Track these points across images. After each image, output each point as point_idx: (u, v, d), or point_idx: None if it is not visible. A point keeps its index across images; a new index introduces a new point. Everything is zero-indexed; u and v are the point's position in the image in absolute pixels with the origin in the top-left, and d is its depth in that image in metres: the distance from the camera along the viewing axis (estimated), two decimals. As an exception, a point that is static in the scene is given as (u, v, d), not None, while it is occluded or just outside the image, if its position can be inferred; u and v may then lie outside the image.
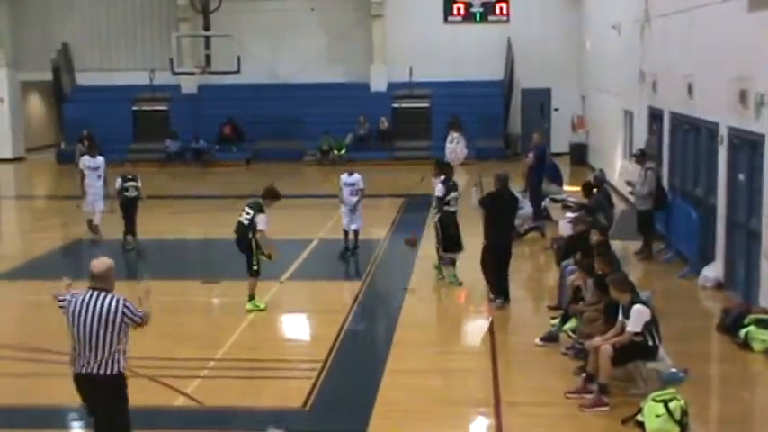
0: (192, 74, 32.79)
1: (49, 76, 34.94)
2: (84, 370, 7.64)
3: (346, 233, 17.20)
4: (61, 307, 7.79)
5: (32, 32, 35.43)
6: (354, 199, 17.00)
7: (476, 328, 13.12)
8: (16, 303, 15.03)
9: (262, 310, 13.30)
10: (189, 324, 13.17)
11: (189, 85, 34.60)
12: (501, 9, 34.36)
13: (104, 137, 32.87)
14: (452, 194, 14.75)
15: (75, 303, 7.62)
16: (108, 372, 7.66)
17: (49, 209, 25.63)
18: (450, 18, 34.55)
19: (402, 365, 11.22)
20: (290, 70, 34.48)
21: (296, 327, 13.54)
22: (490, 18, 34.42)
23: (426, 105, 33.90)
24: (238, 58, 30.69)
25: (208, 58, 32.05)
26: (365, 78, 34.60)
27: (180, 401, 10.02)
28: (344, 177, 17.36)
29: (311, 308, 14.31)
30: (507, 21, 34.17)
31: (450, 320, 13.42)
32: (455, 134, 31.69)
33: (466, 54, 33.46)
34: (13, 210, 26.58)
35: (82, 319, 7.56)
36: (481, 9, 34.45)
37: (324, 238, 18.55)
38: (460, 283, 14.58)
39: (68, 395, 10.35)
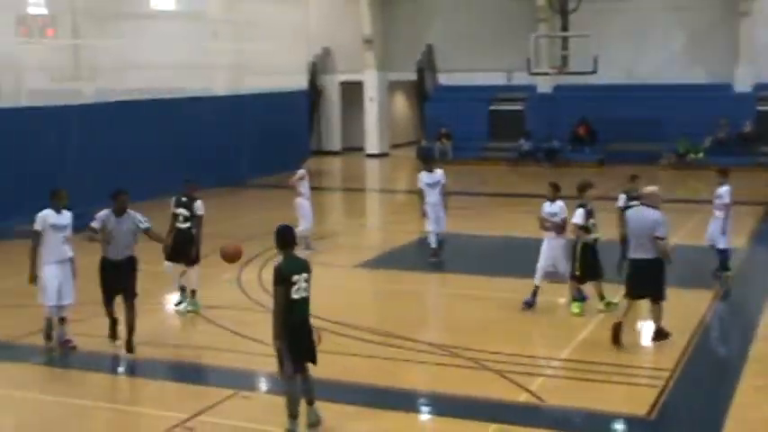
0: (548, 74, 32.99)
1: (413, 77, 36.83)
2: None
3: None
4: None
5: (401, 35, 37.48)
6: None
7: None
8: (375, 290, 16.01)
9: (612, 304, 13.32)
10: (536, 322, 13.36)
11: (545, 85, 34.92)
12: None
13: (461, 135, 34.23)
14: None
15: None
16: None
17: (407, 202, 26.94)
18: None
19: (761, 383, 10.62)
20: (648, 70, 33.65)
21: (644, 333, 13.23)
22: None
23: (804, 108, 31.59)
24: (595, 59, 30.41)
25: (564, 58, 32.06)
26: (727, 79, 32.95)
27: (523, 398, 10.20)
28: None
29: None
30: None
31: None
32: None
33: None
34: (377, 202, 28.31)
35: None
36: None
37: (682, 245, 17.78)
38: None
39: (416, 380, 11.00)
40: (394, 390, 10.57)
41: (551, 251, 13.67)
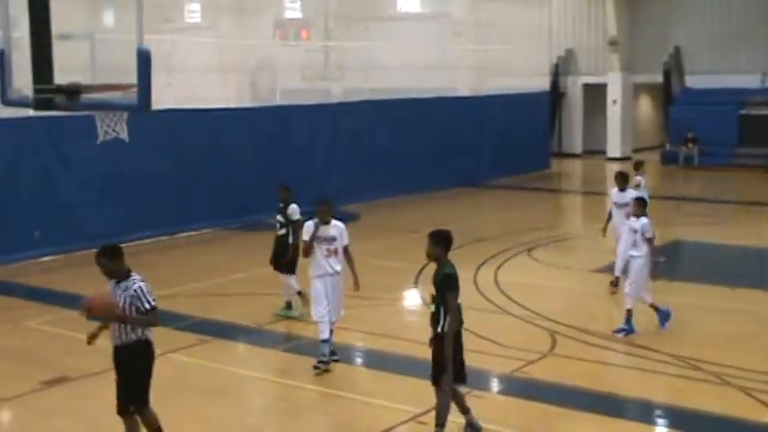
0: (808, 77, 31.12)
1: (659, 79, 35.73)
2: None
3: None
4: None
5: (648, 35, 36.48)
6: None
7: None
8: (610, 296, 15.62)
9: None
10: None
11: (803, 88, 32.95)
12: None
13: (707, 140, 32.89)
14: None
15: None
16: None
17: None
18: None
19: None
20: None
21: None
22: None
23: None
24: None
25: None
26: None
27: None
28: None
29: None
30: None
31: None
32: None
33: None
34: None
35: None
36: None
37: None
38: None
39: (653, 390, 10.66)
40: (626, 398, 10.33)
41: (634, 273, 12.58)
